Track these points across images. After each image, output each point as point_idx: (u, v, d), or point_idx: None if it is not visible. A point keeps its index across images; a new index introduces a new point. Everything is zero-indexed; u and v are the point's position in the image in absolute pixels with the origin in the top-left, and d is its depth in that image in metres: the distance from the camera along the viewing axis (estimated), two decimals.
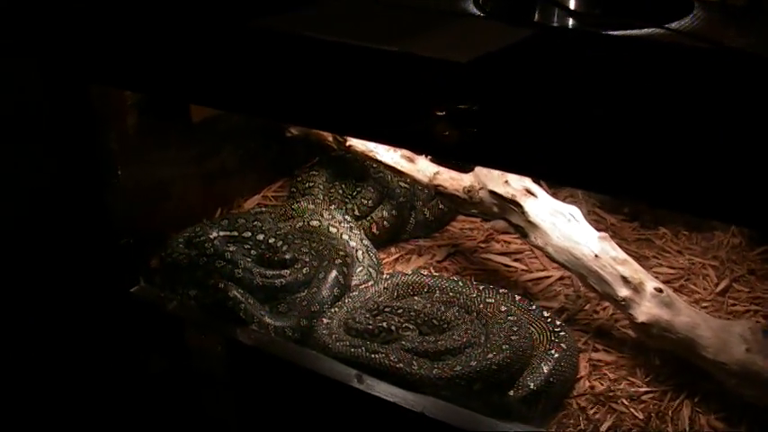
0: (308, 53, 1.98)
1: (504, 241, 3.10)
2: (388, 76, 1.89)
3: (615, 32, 2.02)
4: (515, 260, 2.99)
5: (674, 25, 2.06)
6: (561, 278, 2.88)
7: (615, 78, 1.80)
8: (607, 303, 2.71)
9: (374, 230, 3.06)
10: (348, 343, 2.42)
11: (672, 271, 2.83)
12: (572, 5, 2.20)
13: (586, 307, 2.72)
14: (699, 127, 1.60)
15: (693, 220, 3.06)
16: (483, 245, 3.07)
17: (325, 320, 2.54)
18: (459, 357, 2.35)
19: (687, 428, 2.27)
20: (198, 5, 2.23)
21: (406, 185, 3.16)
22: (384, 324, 2.49)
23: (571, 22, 2.19)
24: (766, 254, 2.92)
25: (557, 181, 2.67)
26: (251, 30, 2.05)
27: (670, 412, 2.32)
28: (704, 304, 2.66)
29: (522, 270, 2.93)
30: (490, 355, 2.32)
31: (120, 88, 2.56)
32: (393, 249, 3.09)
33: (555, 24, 2.20)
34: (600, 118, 1.68)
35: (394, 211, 3.10)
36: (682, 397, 2.36)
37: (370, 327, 2.48)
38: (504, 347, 2.35)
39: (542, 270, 2.93)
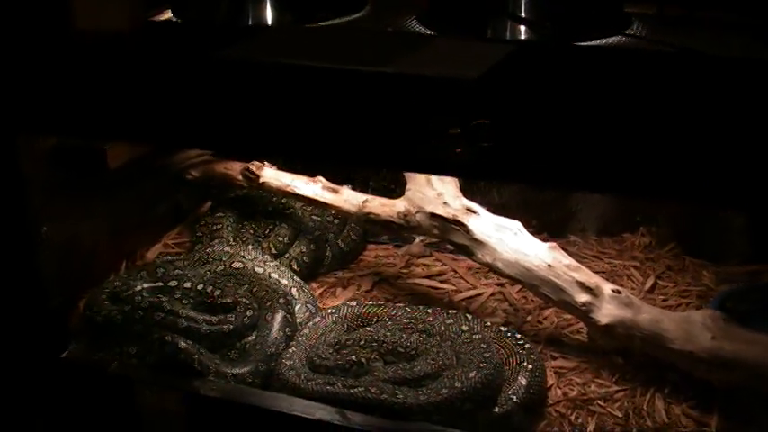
0: (295, 83, 1.92)
1: (424, 264, 3.10)
2: (387, 99, 1.86)
3: (586, 43, 2.08)
4: (442, 282, 3.00)
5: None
6: (492, 294, 2.91)
7: (607, 85, 1.84)
8: (548, 312, 2.76)
9: (295, 267, 2.98)
10: (321, 380, 2.33)
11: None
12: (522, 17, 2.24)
13: (528, 318, 2.77)
14: (696, 124, 1.67)
15: (600, 226, 3.18)
16: (405, 270, 3.06)
17: (286, 362, 2.44)
18: (440, 381, 2.33)
19: (666, 420, 2.34)
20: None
21: (319, 218, 3.11)
22: (353, 357, 2.43)
23: (524, 34, 2.22)
24: (675, 249, 3.07)
25: (574, 188, 2.70)
26: (239, 63, 1.97)
27: (645, 407, 2.39)
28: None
29: (453, 290, 2.94)
30: (472, 374, 2.31)
31: (49, 134, 2.38)
32: (314, 285, 3.02)
33: (508, 38, 2.23)
34: (606, 122, 1.73)
35: (312, 246, 3.03)
36: (652, 391, 2.43)
37: (339, 362, 2.41)
38: (481, 365, 2.35)
39: (472, 288, 2.95)
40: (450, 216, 2.63)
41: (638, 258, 3.03)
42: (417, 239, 3.16)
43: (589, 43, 2.08)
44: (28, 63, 2.17)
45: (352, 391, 2.28)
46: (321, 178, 2.88)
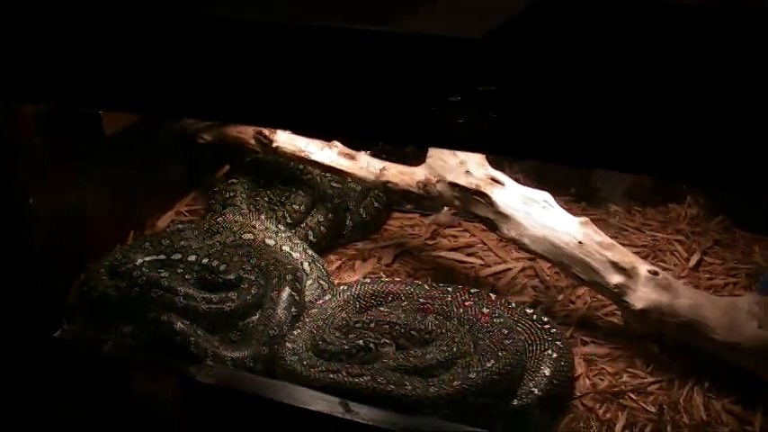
0: (282, 42, 1.69)
1: (451, 236, 2.88)
2: (387, 61, 1.63)
3: None
4: (469, 255, 2.78)
5: None
6: (523, 269, 2.69)
7: (638, 42, 1.58)
8: (581, 291, 2.53)
9: (311, 238, 2.78)
10: (324, 368, 2.14)
11: (637, 249, 2.68)
12: None
13: (560, 298, 2.54)
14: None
15: (643, 194, 2.92)
16: (430, 242, 2.85)
17: (289, 345, 2.25)
18: (453, 370, 2.12)
19: (704, 416, 2.11)
20: None
21: (338, 185, 2.90)
22: (360, 342, 2.23)
23: None
24: (724, 222, 2.81)
25: (597, 166, 2.46)
26: (210, 19, 1.75)
27: (681, 401, 2.16)
28: (680, 282, 2.50)
29: (480, 265, 2.72)
30: (489, 364, 2.10)
31: (23, 102, 2.20)
32: (333, 257, 2.82)
33: None
34: (636, 86, 1.48)
35: (330, 215, 2.83)
36: (690, 384, 2.20)
37: (346, 347, 2.22)
38: (500, 354, 2.13)
39: (501, 263, 2.73)
40: (473, 186, 2.40)
41: (684, 232, 2.77)
42: (445, 208, 2.92)
43: None
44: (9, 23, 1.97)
45: (356, 380, 2.09)
46: (337, 143, 2.66)
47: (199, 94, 1.85)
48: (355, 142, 2.70)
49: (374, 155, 2.68)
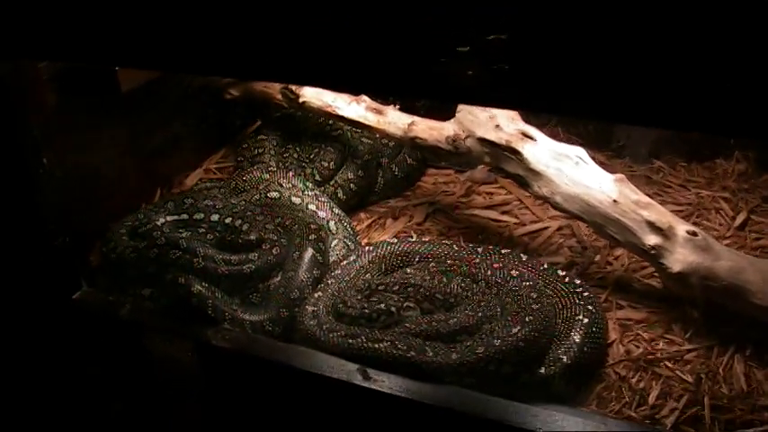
0: None
1: (486, 193, 2.77)
2: (386, 12, 1.51)
3: None
4: (504, 213, 2.67)
5: None
6: (559, 228, 2.57)
7: None
8: (619, 252, 2.41)
9: (340, 196, 2.69)
10: (343, 333, 2.06)
11: (680, 207, 2.55)
12: None
13: (597, 258, 2.41)
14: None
15: (689, 149, 2.77)
16: (464, 199, 2.74)
17: (309, 308, 2.17)
18: (478, 336, 2.02)
19: (745, 387, 1.98)
20: None
21: (370, 141, 2.80)
22: (382, 305, 2.14)
23: None
24: None
25: (612, 119, 2.33)
26: None
27: (721, 370, 2.04)
28: (725, 242, 2.37)
29: (515, 224, 2.61)
30: (515, 330, 1.99)
31: (35, 60, 2.12)
32: (363, 215, 2.73)
33: None
34: (652, 36, 1.35)
35: (360, 172, 2.73)
36: (731, 351, 2.08)
37: (366, 310, 2.13)
38: (527, 319, 2.02)
39: (536, 221, 2.61)
40: (503, 142, 2.29)
41: (730, 189, 2.62)
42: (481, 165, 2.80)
43: None
44: None
45: (376, 346, 2.00)
46: (365, 97, 2.56)
47: (216, 51, 1.75)
48: (384, 96, 2.59)
49: (403, 109, 2.56)
